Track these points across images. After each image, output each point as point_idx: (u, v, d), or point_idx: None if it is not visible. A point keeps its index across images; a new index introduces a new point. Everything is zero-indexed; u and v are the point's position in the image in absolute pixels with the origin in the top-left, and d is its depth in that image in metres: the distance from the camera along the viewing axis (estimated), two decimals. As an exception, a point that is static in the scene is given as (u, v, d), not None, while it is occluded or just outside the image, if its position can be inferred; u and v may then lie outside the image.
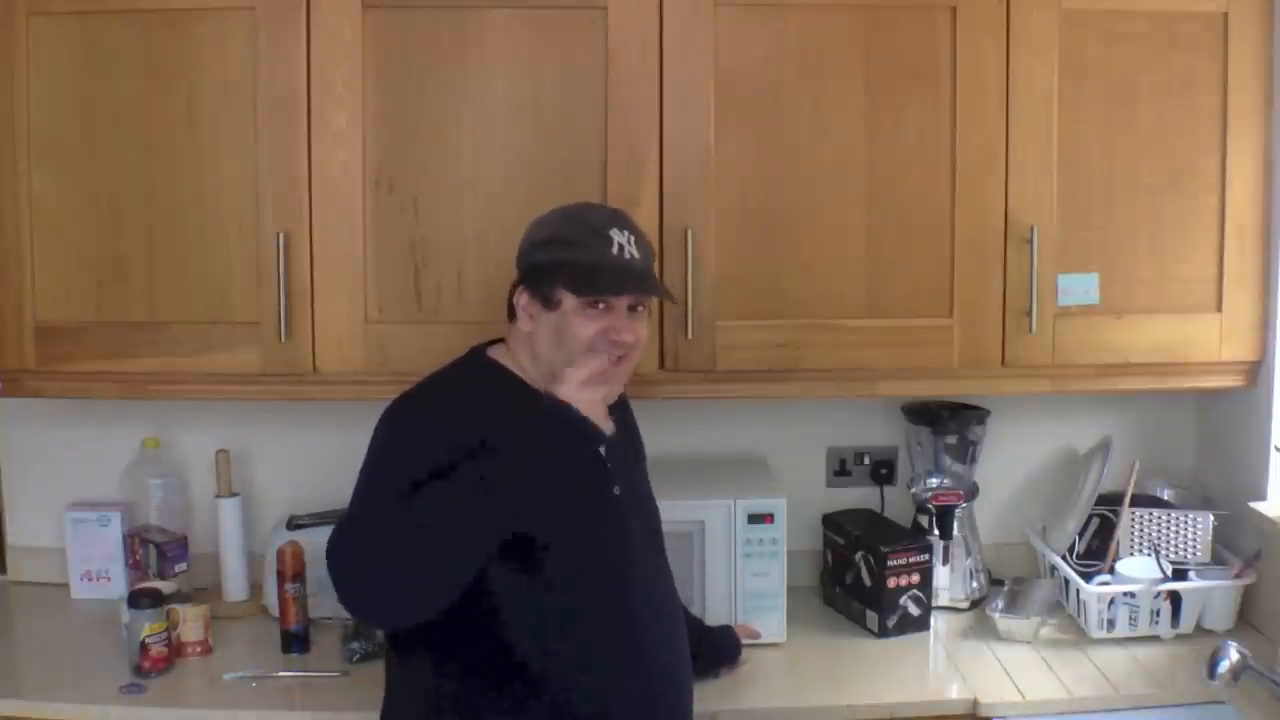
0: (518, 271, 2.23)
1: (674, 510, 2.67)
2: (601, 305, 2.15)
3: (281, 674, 2.62)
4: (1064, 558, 2.90)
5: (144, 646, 2.56)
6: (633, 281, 2.18)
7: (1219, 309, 2.74)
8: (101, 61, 2.60)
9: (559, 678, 2.11)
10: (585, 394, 2.04)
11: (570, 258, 2.16)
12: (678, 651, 2.29)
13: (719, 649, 2.63)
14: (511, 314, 2.24)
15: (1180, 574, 2.79)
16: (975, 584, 2.99)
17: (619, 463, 2.27)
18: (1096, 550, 2.92)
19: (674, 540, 2.61)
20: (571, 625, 2.12)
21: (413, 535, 1.96)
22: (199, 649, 2.68)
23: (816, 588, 3.04)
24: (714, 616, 2.72)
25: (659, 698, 2.21)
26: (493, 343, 2.28)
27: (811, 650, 2.76)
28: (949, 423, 3.00)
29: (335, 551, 2.02)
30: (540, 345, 2.18)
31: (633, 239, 2.19)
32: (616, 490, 2.26)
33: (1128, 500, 2.89)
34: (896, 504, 3.12)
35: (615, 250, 2.16)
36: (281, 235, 2.59)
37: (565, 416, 2.03)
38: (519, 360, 2.23)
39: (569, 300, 2.15)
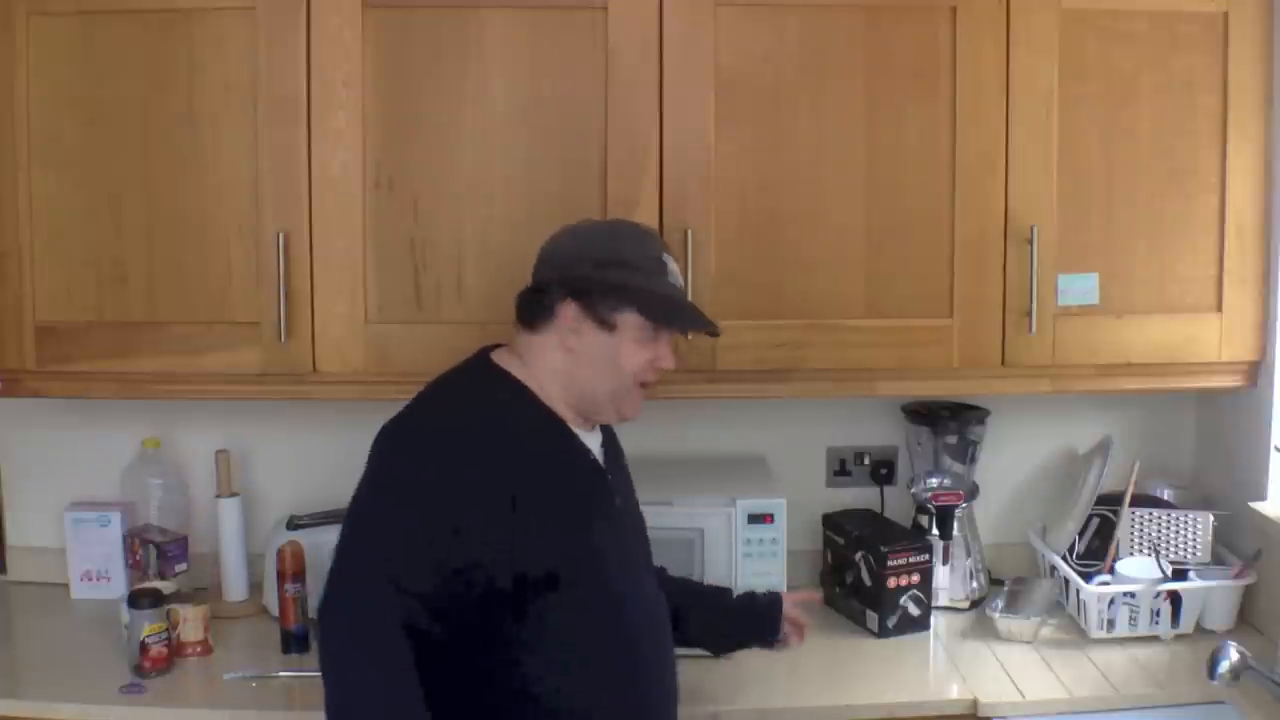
0: (563, 281, 2.14)
1: (674, 511, 2.70)
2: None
3: (281, 674, 2.62)
4: (1064, 558, 2.89)
5: (144, 646, 2.56)
6: (702, 317, 2.23)
7: (1219, 309, 2.74)
8: (102, 61, 2.60)
9: (552, 693, 2.07)
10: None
11: (643, 285, 2.15)
12: (667, 666, 2.26)
13: (759, 619, 2.52)
14: (528, 318, 2.17)
15: (1180, 574, 2.79)
16: (975, 584, 2.99)
17: (614, 475, 2.27)
18: (1096, 550, 2.91)
19: (674, 541, 2.63)
20: (571, 642, 2.09)
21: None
22: (199, 649, 2.67)
23: (816, 588, 3.01)
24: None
25: (648, 711, 2.19)
26: (496, 346, 2.24)
27: (811, 650, 2.71)
28: (949, 423, 2.99)
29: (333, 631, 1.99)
30: (584, 367, 2.14)
31: (677, 266, 2.24)
32: (618, 501, 2.25)
33: (1128, 500, 2.89)
34: (896, 504, 3.11)
35: (674, 280, 2.20)
36: (281, 235, 2.58)
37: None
38: (534, 373, 2.15)
39: (633, 326, 2.13)
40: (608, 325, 2.13)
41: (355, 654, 1.96)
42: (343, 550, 2.03)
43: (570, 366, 2.14)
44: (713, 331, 2.27)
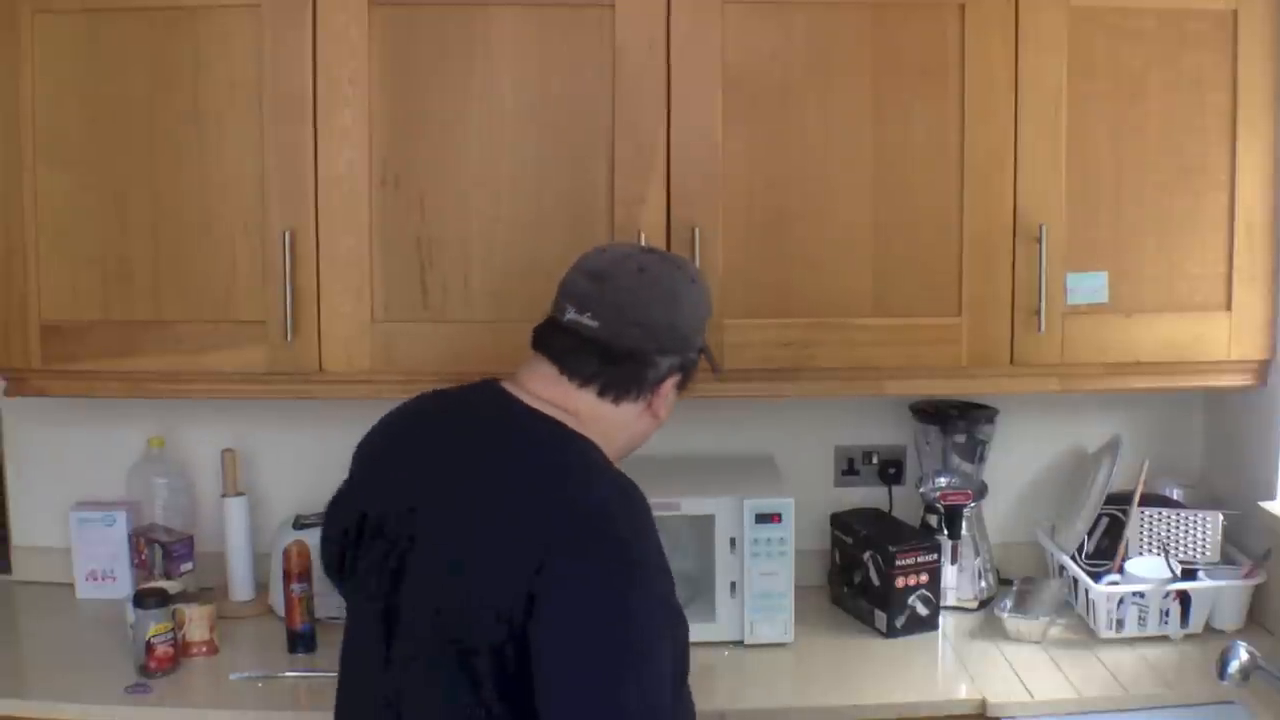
0: (684, 364, 2.02)
1: (681, 510, 2.69)
2: None
3: (288, 674, 2.61)
4: (1073, 557, 2.88)
5: (149, 647, 2.55)
6: None
7: (1228, 307, 2.72)
8: (107, 59, 2.59)
9: None
10: None
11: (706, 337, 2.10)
12: None
13: None
14: (618, 393, 1.94)
15: (1189, 574, 2.78)
16: (984, 584, 2.98)
17: None
18: (1105, 550, 2.90)
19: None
20: None
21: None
22: (204, 649, 2.66)
23: (824, 587, 3.02)
24: (720, 617, 2.73)
25: None
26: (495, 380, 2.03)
27: (819, 650, 2.75)
28: (958, 422, 2.98)
29: None
30: (655, 427, 2.05)
31: None
32: None
33: (1137, 500, 2.87)
34: (905, 504, 3.10)
35: None
36: (287, 234, 2.57)
37: None
38: (592, 431, 1.93)
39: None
40: (687, 385, 2.05)
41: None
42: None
43: (649, 428, 2.03)
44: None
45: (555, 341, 1.94)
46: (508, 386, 1.96)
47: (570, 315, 1.93)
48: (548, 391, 1.93)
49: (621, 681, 1.70)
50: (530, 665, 1.72)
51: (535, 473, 1.83)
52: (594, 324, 1.91)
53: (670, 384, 1.99)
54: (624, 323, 1.92)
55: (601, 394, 1.93)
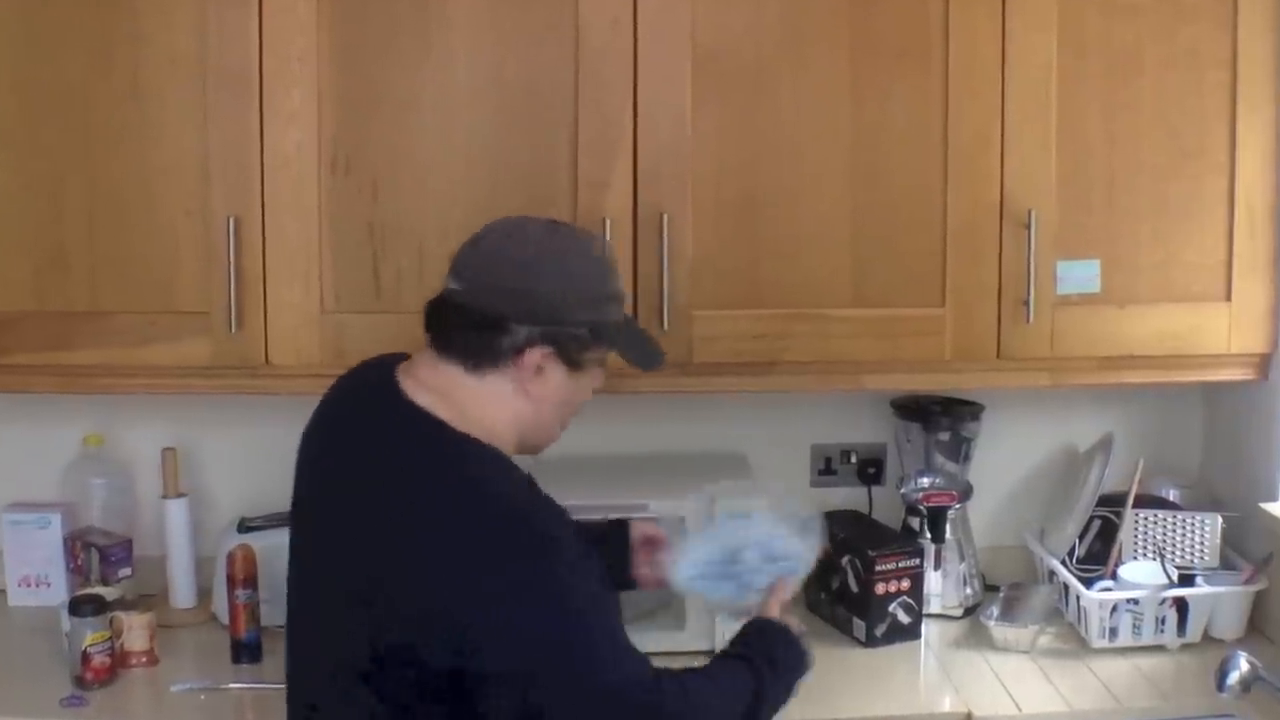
0: (548, 335, 1.87)
1: (649, 514, 2.57)
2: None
3: (232, 685, 2.56)
4: (1063, 562, 2.84)
5: (86, 656, 2.50)
6: (660, 350, 2.06)
7: (1228, 297, 2.67)
8: (42, 35, 2.51)
9: None
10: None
11: (623, 321, 1.98)
12: None
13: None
14: (473, 361, 1.87)
15: (1186, 579, 2.75)
16: (969, 590, 2.93)
17: None
18: (1098, 554, 2.87)
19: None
20: None
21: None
22: (144, 659, 2.61)
23: (800, 594, 2.90)
24: (690, 624, 2.67)
25: None
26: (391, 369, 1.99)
27: None
28: (941, 419, 2.94)
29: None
30: (544, 411, 1.92)
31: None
32: None
33: (1131, 501, 2.85)
34: (885, 505, 3.06)
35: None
36: (232, 219, 2.51)
37: None
38: (479, 422, 1.86)
39: (600, 362, 1.95)
40: (577, 365, 1.91)
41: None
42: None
43: (529, 412, 1.91)
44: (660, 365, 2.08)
45: (432, 314, 1.94)
46: (399, 374, 1.94)
47: (448, 283, 1.93)
48: (425, 373, 1.91)
49: (590, 648, 1.75)
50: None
51: (427, 496, 1.80)
52: (457, 287, 1.90)
53: (535, 357, 1.86)
54: (481, 285, 1.88)
55: (465, 365, 1.88)
